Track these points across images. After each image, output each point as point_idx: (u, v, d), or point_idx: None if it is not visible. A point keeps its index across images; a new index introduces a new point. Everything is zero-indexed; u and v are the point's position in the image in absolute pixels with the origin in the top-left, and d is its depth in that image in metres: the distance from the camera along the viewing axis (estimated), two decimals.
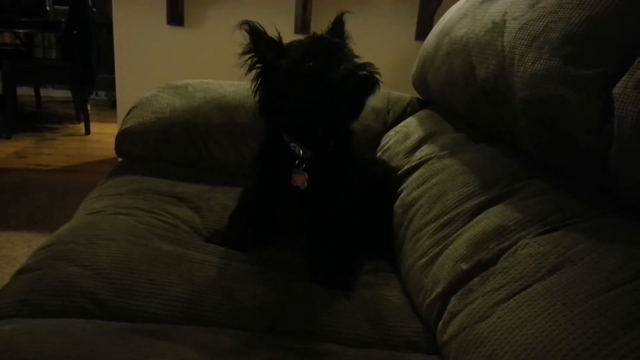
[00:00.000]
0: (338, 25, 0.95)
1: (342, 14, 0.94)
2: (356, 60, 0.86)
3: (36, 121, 3.87)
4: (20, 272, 0.83)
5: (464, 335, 0.69)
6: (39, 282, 0.78)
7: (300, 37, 1.09)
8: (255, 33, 0.89)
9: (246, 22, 0.88)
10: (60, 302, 0.75)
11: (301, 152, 0.92)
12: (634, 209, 0.67)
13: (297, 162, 0.93)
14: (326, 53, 0.85)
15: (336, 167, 0.95)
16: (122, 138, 1.36)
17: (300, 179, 0.92)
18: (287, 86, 0.87)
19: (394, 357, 0.76)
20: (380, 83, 0.84)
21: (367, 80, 0.81)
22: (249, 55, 0.90)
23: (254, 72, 0.91)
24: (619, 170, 0.66)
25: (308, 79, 0.84)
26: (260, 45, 0.89)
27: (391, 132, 1.43)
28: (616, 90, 0.67)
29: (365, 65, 0.82)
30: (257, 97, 0.92)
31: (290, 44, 0.90)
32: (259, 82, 0.91)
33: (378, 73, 0.83)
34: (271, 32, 0.91)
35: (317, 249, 0.98)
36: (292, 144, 0.93)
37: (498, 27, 0.96)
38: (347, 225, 0.98)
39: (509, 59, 0.89)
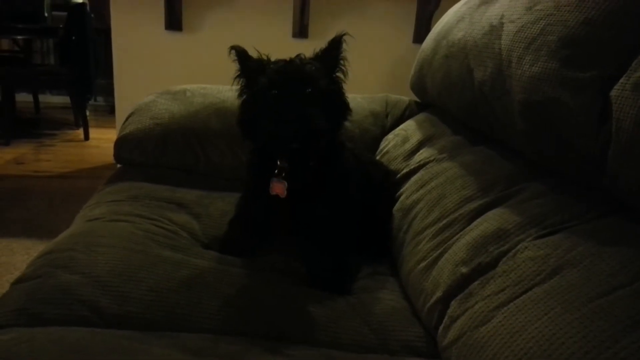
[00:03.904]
0: (335, 45, 0.92)
1: (341, 36, 0.92)
2: (324, 83, 0.86)
3: (34, 127, 3.86)
4: (18, 281, 0.83)
5: (464, 340, 0.69)
6: (37, 291, 0.78)
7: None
8: (242, 56, 0.92)
9: (233, 47, 0.91)
10: (58, 311, 0.75)
11: (279, 162, 0.92)
12: (633, 211, 0.67)
13: (276, 171, 0.93)
14: (290, 83, 0.84)
15: (318, 178, 0.94)
16: (121, 144, 1.36)
17: (279, 188, 0.92)
18: (254, 111, 0.89)
19: None
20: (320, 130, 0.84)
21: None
22: (239, 80, 0.93)
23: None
24: (617, 172, 0.66)
25: (271, 108, 0.84)
26: (246, 68, 0.92)
27: (390, 136, 1.43)
28: (614, 92, 0.67)
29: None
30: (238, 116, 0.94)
31: (270, 66, 0.89)
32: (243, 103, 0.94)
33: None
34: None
35: (312, 254, 0.98)
36: None
37: (495, 30, 0.96)
38: (336, 231, 0.97)
39: (507, 62, 0.89)
